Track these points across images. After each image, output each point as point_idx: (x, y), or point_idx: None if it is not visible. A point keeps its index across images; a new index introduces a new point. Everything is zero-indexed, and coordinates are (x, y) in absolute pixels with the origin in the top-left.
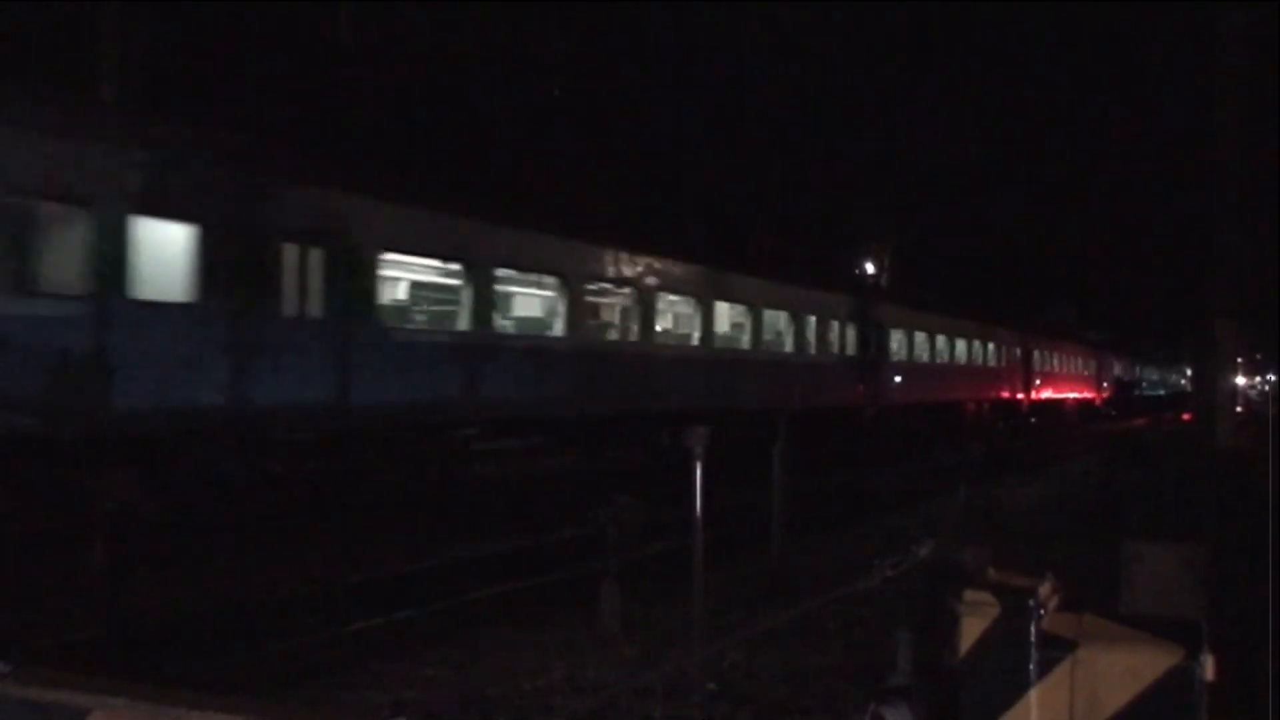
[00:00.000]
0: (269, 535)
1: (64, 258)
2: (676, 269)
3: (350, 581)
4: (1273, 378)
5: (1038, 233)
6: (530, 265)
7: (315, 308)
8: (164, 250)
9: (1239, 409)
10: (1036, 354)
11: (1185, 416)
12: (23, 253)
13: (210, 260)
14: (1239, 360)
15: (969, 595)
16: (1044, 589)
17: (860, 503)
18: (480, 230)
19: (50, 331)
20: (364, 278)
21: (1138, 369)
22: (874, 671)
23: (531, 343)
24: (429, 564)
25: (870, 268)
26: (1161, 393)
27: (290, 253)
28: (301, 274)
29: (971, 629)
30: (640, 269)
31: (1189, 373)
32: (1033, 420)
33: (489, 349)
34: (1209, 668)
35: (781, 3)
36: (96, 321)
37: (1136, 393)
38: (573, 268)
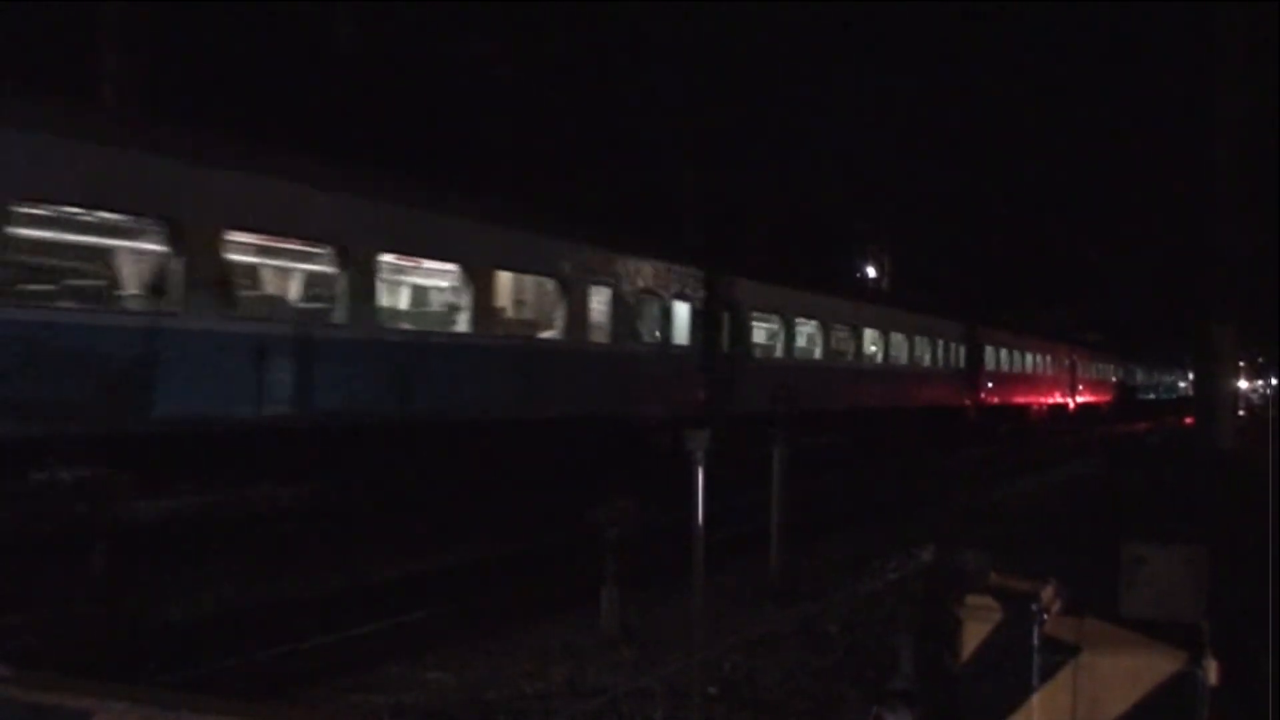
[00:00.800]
0: (269, 539)
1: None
2: (843, 305)
3: (350, 585)
4: (1275, 381)
5: (1038, 236)
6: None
7: None
8: None
9: (1240, 412)
10: (1079, 364)
11: (1187, 420)
12: None
13: None
14: (1240, 364)
15: (971, 599)
16: (1046, 593)
17: (867, 505)
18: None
19: None
20: None
21: (1138, 372)
22: (875, 675)
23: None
24: (428, 567)
25: (870, 270)
26: (1153, 396)
27: None
28: None
29: (973, 633)
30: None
31: (1189, 376)
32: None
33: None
34: (1212, 672)
35: (779, 2)
36: None
37: (1142, 397)
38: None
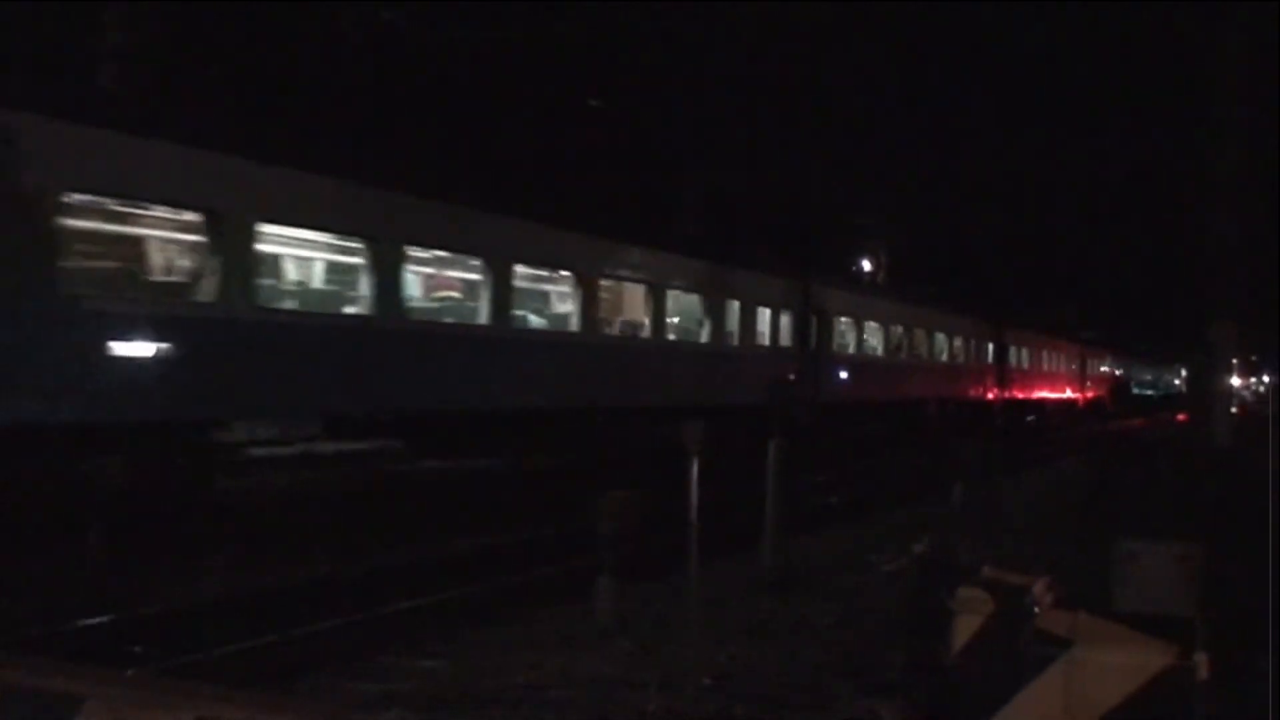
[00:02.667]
0: (266, 527)
1: None
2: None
3: (346, 574)
4: (1268, 379)
5: (1035, 232)
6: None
7: None
8: None
9: (1235, 409)
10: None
11: (1181, 417)
12: None
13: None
14: (1235, 361)
15: (963, 592)
16: (1039, 587)
17: (862, 498)
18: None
19: None
20: None
21: (1133, 369)
22: (870, 667)
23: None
24: (425, 557)
25: (867, 265)
26: (1151, 393)
27: None
28: None
29: (966, 626)
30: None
31: (1183, 373)
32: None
33: None
34: (1203, 667)
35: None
36: None
37: (1136, 392)
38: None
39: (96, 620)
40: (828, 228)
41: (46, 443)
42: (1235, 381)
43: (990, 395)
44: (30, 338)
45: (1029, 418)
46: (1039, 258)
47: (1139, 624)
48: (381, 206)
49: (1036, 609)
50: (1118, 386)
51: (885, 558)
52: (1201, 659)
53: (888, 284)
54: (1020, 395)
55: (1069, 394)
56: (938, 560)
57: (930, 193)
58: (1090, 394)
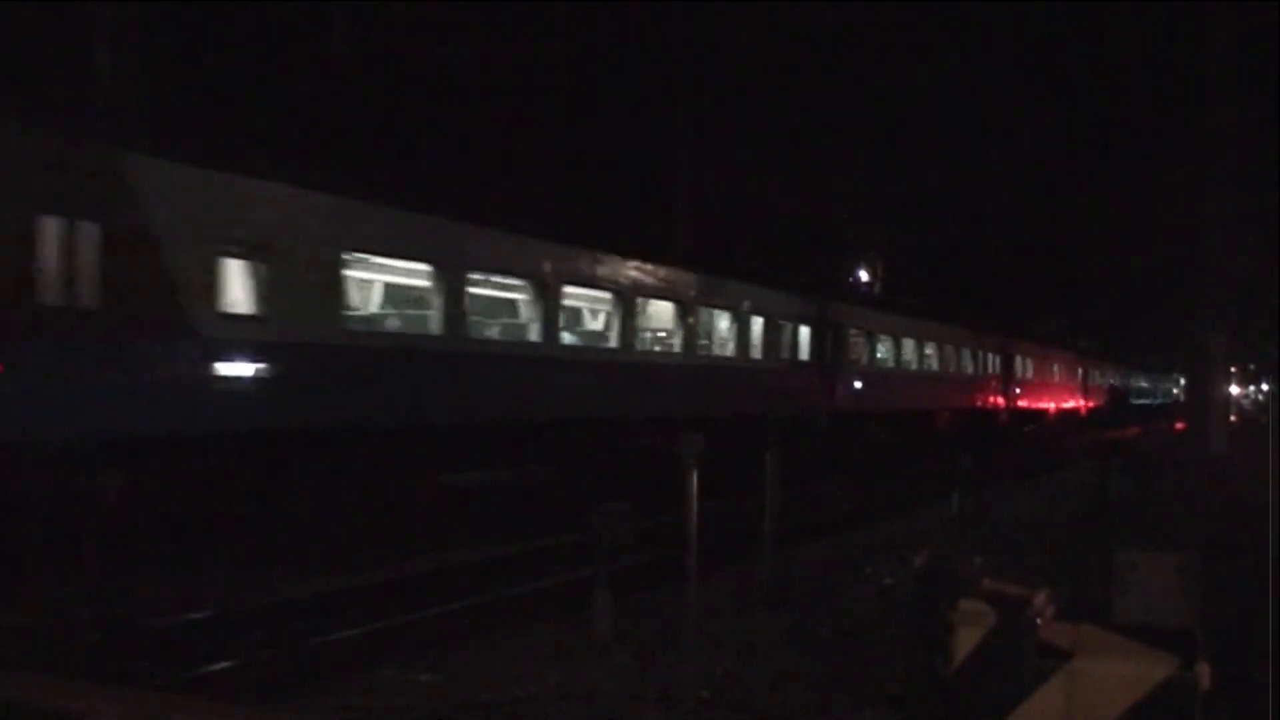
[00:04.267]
0: (260, 540)
1: None
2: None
3: (343, 587)
4: (1265, 387)
5: (1030, 242)
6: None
7: None
8: None
9: (1233, 418)
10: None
11: (1178, 425)
12: None
13: None
14: (1233, 370)
15: (964, 604)
16: (1039, 599)
17: (860, 509)
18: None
19: None
20: None
21: (1130, 378)
22: (867, 679)
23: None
24: (422, 570)
25: (864, 275)
26: (1149, 401)
27: None
28: None
29: (966, 638)
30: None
31: (1181, 381)
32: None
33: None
34: (1205, 677)
35: (772, 3)
36: None
37: (1135, 401)
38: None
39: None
40: (825, 239)
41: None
42: (1235, 390)
43: (997, 405)
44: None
45: (1028, 427)
46: (1035, 267)
47: (1141, 635)
48: (545, 255)
49: (1038, 621)
50: (1115, 396)
51: (884, 570)
52: (1203, 669)
53: (885, 296)
54: (1025, 405)
55: (1070, 404)
56: (937, 573)
57: (926, 204)
58: (1090, 403)
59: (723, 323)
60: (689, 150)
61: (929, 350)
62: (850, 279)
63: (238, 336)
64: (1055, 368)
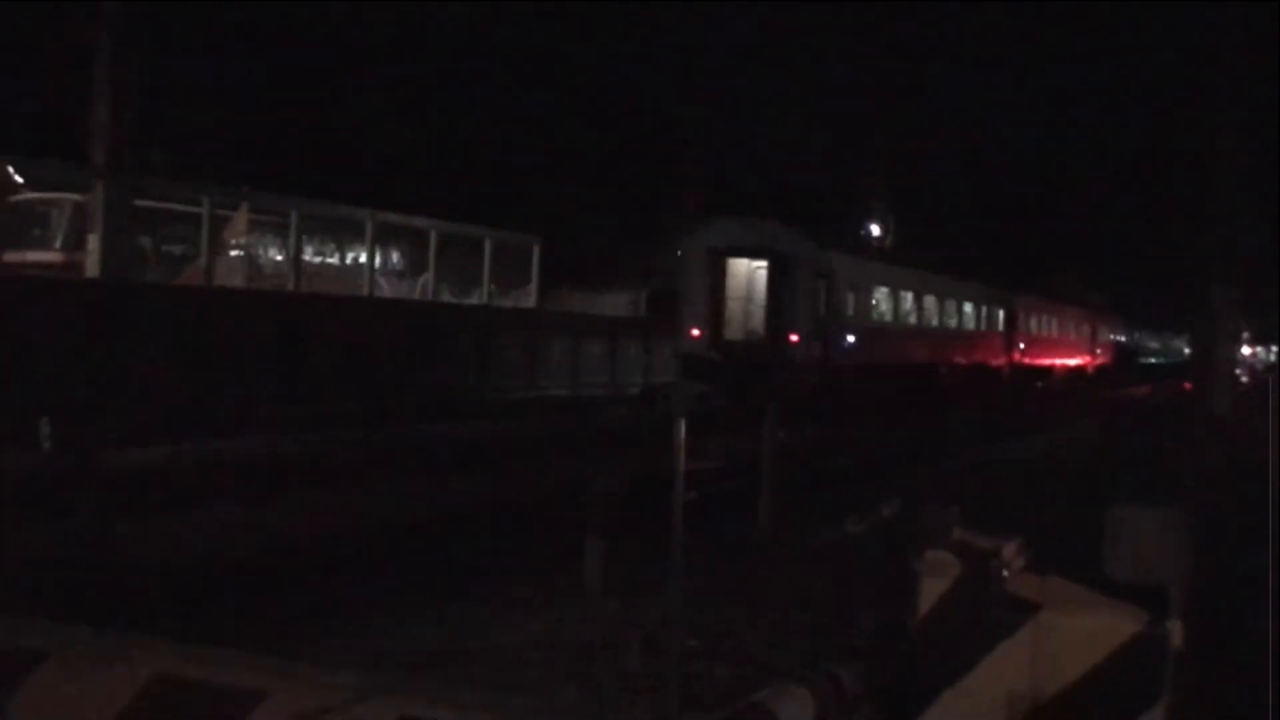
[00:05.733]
0: (248, 488)
1: None
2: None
3: (330, 535)
4: (1275, 348)
5: (1040, 196)
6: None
7: None
8: None
9: (1243, 378)
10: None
11: (1186, 385)
12: None
13: None
14: (1245, 333)
15: (929, 555)
16: (1008, 550)
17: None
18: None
19: None
20: None
21: (1139, 336)
22: (836, 631)
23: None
24: (413, 517)
25: (875, 229)
26: (1157, 360)
27: None
28: None
29: (932, 589)
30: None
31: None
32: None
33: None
34: (1177, 634)
35: None
36: None
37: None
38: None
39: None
40: (836, 195)
41: None
42: (1245, 350)
43: (1001, 361)
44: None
45: (1037, 383)
46: (1045, 222)
47: (1117, 591)
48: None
49: (1005, 572)
50: (1123, 353)
51: (852, 519)
52: (1175, 626)
53: (900, 249)
54: (1031, 362)
55: (1077, 361)
56: (905, 523)
57: (936, 159)
58: (1098, 361)
59: (968, 308)
60: (698, 101)
61: (1054, 321)
62: (861, 233)
63: (862, 324)
64: (1063, 322)
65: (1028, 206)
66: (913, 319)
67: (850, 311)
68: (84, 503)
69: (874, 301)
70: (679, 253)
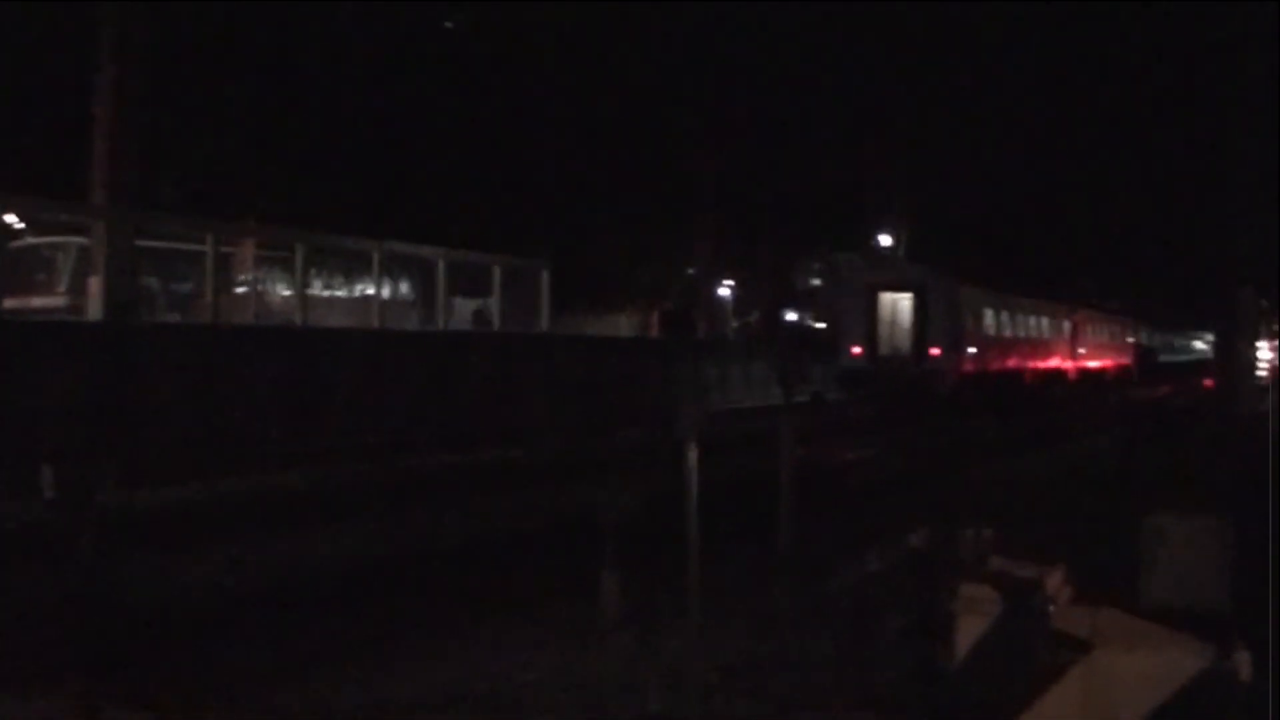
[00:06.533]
0: (254, 524)
1: None
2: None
3: (336, 568)
4: None
5: (1058, 202)
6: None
7: None
8: None
9: (1266, 375)
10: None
11: (1207, 384)
12: None
13: None
14: (1276, 327)
15: (966, 590)
16: (1053, 580)
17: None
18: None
19: None
20: None
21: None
22: (887, 662)
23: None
24: (420, 549)
25: (886, 239)
26: (1184, 359)
27: None
28: None
29: (970, 628)
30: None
31: (1209, 339)
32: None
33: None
34: (1245, 667)
35: None
36: None
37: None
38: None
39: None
40: (848, 205)
41: None
42: (1265, 352)
43: (1069, 365)
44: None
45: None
46: (1061, 227)
47: (1169, 620)
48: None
49: (1051, 606)
50: (1144, 354)
51: (874, 554)
52: (1243, 658)
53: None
54: (1086, 365)
55: (1115, 361)
56: (936, 553)
57: (950, 165)
58: (1125, 362)
59: (1045, 321)
60: (708, 114)
61: (1103, 329)
62: (871, 244)
63: (979, 338)
64: (1109, 330)
65: (1042, 211)
66: (1008, 332)
67: (970, 329)
68: (81, 549)
69: (986, 321)
70: (835, 287)
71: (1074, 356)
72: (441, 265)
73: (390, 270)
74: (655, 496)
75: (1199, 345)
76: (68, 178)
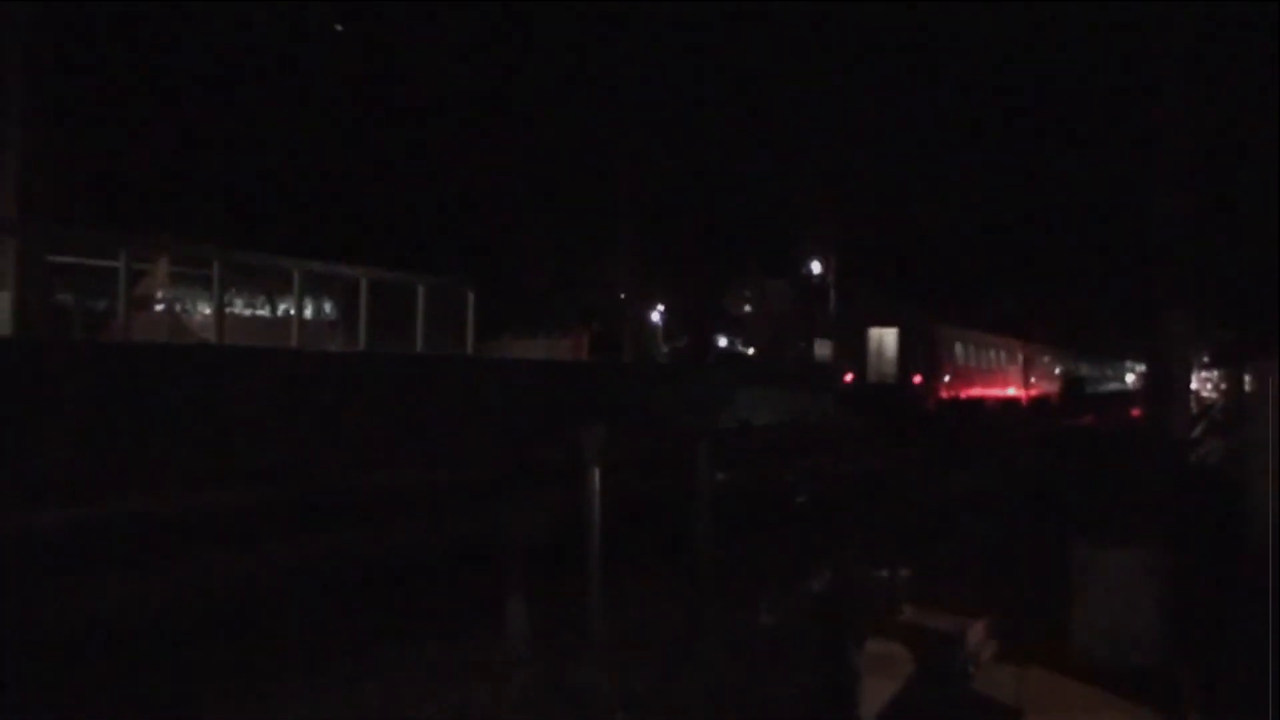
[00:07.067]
0: (149, 548)
1: None
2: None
3: (224, 596)
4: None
5: (985, 224)
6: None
7: None
8: None
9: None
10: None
11: (1134, 413)
12: None
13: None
14: (1204, 357)
15: (874, 646)
16: (975, 633)
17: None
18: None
19: None
20: None
21: (1086, 364)
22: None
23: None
24: (320, 575)
25: (816, 267)
26: (1104, 389)
27: None
28: None
29: (879, 691)
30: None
31: (1137, 369)
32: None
33: None
34: None
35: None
36: None
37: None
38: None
39: None
40: (778, 233)
41: None
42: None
43: (1020, 391)
44: None
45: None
46: (988, 253)
47: (1108, 678)
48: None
49: (972, 667)
50: (1071, 382)
51: (769, 602)
52: None
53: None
54: (1033, 391)
55: (1049, 388)
56: (842, 599)
57: (879, 192)
58: (1055, 388)
59: (1003, 354)
60: (634, 134)
61: (1044, 359)
62: (802, 271)
63: (954, 368)
64: (1040, 359)
65: (967, 234)
66: (974, 363)
67: (945, 360)
68: None
69: (957, 353)
70: (837, 325)
71: (1026, 385)
72: (364, 284)
73: (311, 290)
74: (571, 517)
75: (1129, 378)
76: None
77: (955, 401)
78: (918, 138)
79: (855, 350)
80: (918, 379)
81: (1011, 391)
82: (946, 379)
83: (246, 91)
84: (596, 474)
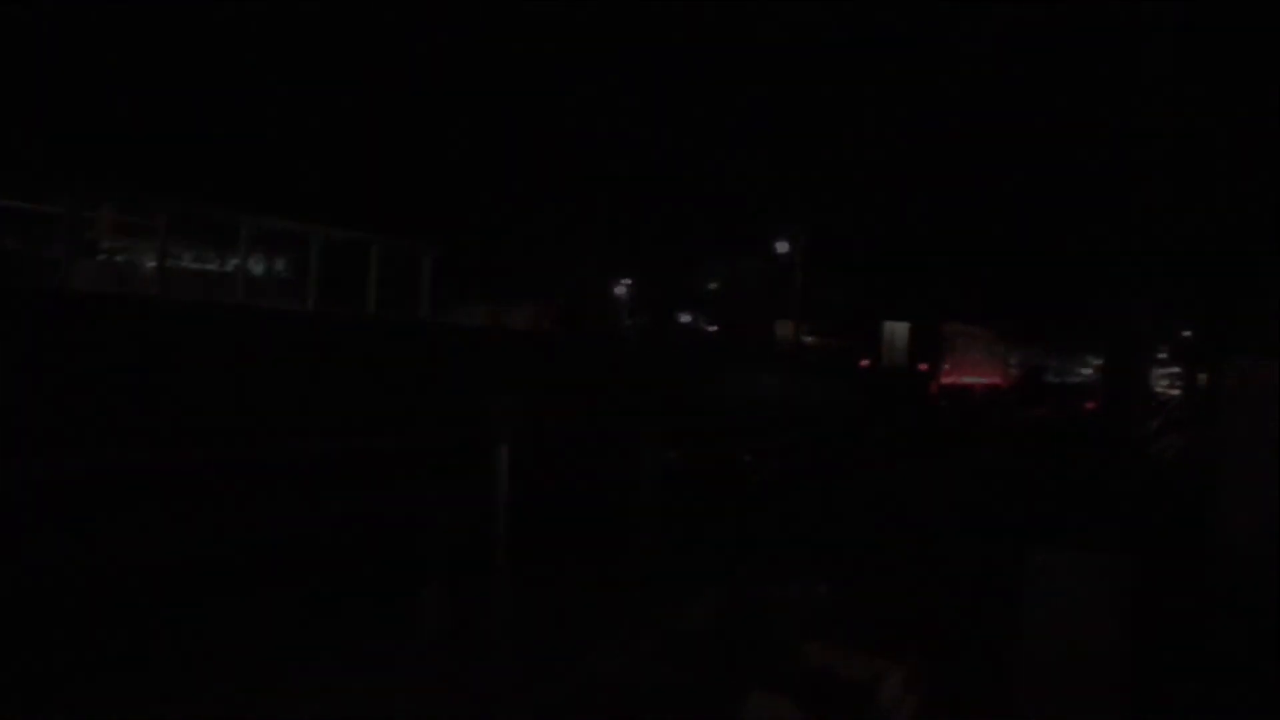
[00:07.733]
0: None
1: None
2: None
3: (133, 568)
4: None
5: (950, 211)
6: None
7: None
8: None
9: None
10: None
11: (1089, 406)
12: None
13: None
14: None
15: (757, 699)
16: (892, 682)
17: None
18: None
19: None
20: None
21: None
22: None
23: None
24: (240, 547)
25: (784, 246)
26: (1064, 380)
27: None
28: None
29: None
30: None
31: (1095, 363)
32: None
33: None
34: None
35: None
36: None
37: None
38: None
39: None
40: (747, 213)
41: None
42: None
43: (1003, 381)
44: None
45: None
46: (953, 238)
47: None
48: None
49: None
50: (1029, 374)
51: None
52: None
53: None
54: (1012, 382)
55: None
56: (734, 630)
57: (848, 174)
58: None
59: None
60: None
61: (1019, 354)
62: (772, 253)
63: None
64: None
65: (935, 221)
66: (967, 354)
67: (946, 351)
68: None
69: (957, 346)
70: (854, 315)
71: (1006, 375)
72: (315, 241)
73: (266, 246)
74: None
75: (1085, 371)
76: None
77: (952, 387)
78: (890, 129)
79: (870, 342)
80: (924, 367)
81: (998, 380)
82: (947, 367)
83: (220, 42)
84: (505, 452)
